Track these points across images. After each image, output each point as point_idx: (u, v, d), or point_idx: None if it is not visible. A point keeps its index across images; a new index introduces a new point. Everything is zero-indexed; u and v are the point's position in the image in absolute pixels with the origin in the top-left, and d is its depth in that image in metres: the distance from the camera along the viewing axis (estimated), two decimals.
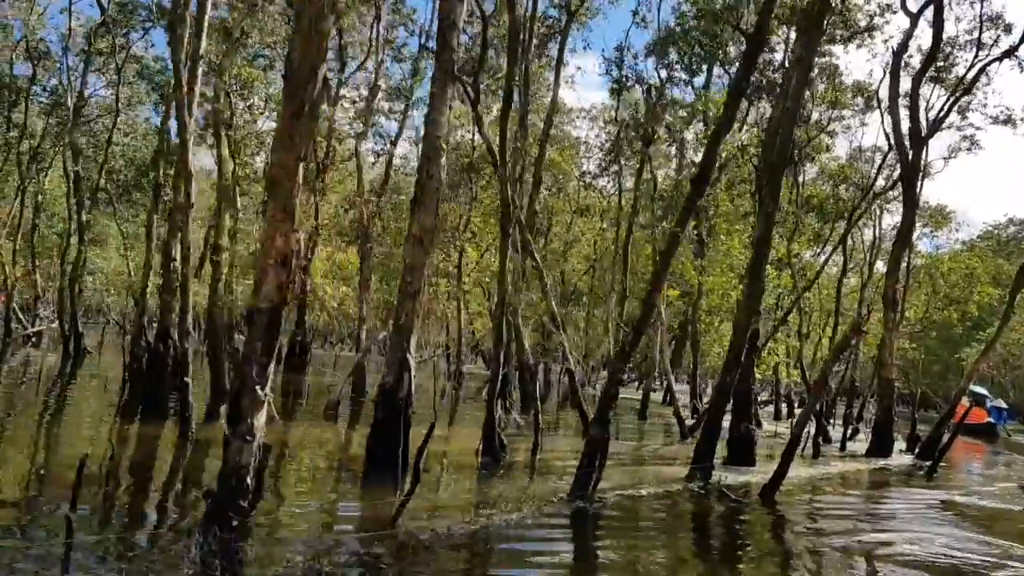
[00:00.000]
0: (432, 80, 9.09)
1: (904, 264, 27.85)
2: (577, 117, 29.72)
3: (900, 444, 19.45)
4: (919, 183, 26.31)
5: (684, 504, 9.34)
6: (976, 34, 20.04)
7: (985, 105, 24.41)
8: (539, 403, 15.10)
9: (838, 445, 17.61)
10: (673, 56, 19.38)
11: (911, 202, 17.69)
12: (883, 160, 20.21)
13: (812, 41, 10.38)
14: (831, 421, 19.16)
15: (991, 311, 32.37)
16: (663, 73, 19.70)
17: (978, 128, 24.68)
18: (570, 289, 37.05)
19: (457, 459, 10.68)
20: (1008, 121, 23.96)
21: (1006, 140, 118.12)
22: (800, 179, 26.11)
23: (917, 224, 32.80)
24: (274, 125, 16.93)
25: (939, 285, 33.18)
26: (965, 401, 30.57)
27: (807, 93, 20.12)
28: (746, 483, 10.69)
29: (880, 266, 30.15)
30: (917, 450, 17.53)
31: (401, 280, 8.87)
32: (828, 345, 29.90)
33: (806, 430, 15.82)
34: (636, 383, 37.27)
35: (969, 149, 24.71)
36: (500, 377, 10.85)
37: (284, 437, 10.89)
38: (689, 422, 16.92)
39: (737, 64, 18.34)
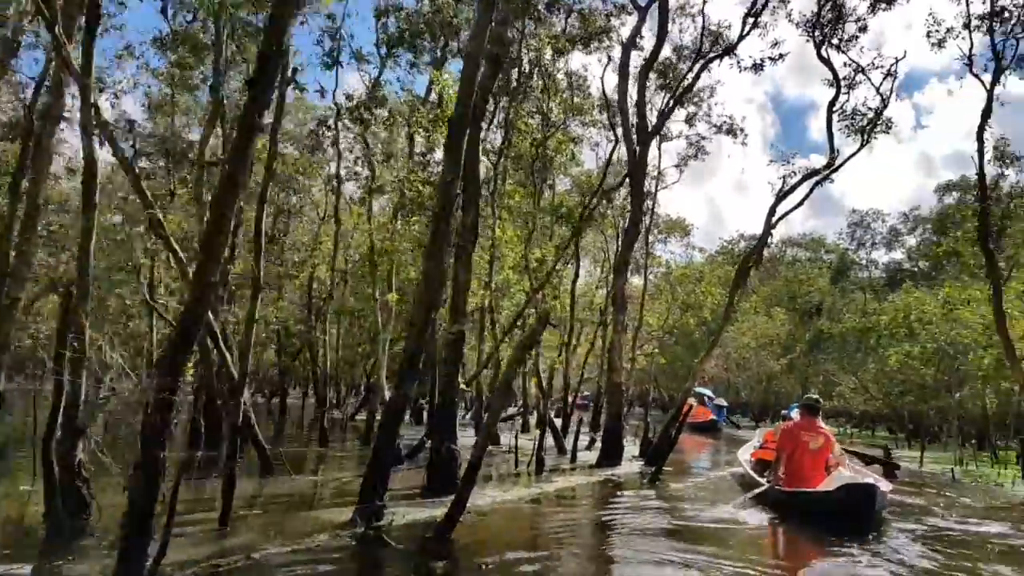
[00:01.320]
0: None
1: (642, 270, 28.64)
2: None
3: (635, 450, 19.01)
4: (654, 187, 27.07)
5: (323, 566, 6.92)
6: (698, 45, 20.36)
7: (709, 115, 25.76)
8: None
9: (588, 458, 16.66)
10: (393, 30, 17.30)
11: (638, 199, 17.15)
12: (610, 154, 19.62)
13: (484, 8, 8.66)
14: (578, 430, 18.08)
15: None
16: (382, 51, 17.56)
17: (704, 137, 25.90)
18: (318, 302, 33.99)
19: None
20: (730, 131, 25.40)
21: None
22: (551, 186, 25.75)
23: (654, 232, 34.38)
24: None
25: (677, 292, 34.91)
26: (692, 400, 34.42)
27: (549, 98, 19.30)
28: (432, 519, 8.56)
29: None
30: (647, 455, 17.08)
31: None
32: (588, 351, 30.02)
33: (535, 442, 14.82)
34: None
35: (696, 156, 25.71)
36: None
37: None
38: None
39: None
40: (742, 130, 25.23)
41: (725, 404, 37.41)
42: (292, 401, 32.17)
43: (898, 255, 47.12)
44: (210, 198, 11.53)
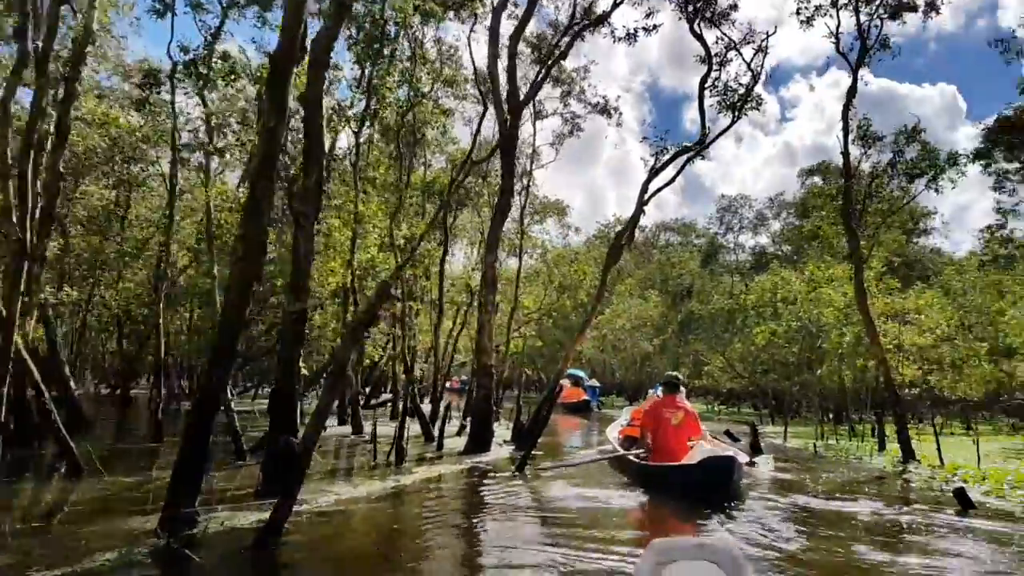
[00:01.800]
0: None
1: (518, 251, 27.96)
2: None
3: (507, 434, 18.31)
4: (529, 165, 26.38)
5: None
6: (571, 14, 19.71)
7: (583, 94, 25.38)
8: None
9: (456, 444, 15.71)
10: None
11: (509, 170, 16.27)
12: (479, 121, 18.64)
13: None
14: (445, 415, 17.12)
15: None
16: None
17: (578, 116, 25.53)
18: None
19: None
20: (605, 110, 25.13)
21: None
22: (425, 164, 24.56)
23: (530, 213, 33.84)
24: None
25: (554, 274, 34.62)
26: (565, 381, 33.33)
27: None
28: (261, 524, 7.30)
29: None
30: (518, 439, 16.43)
31: None
32: (459, 333, 29.11)
33: (395, 431, 13.69)
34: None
35: (571, 133, 25.31)
36: None
37: None
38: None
39: None
40: (616, 109, 25.02)
41: (598, 385, 38.26)
42: (142, 392, 29.37)
43: (764, 239, 49.16)
44: None
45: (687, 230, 61.92)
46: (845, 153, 16.61)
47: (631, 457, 11.49)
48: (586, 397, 32.92)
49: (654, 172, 17.39)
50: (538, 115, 25.83)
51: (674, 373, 11.95)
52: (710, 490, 9.17)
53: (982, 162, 19.40)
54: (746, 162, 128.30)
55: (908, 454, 15.06)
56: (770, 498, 10.27)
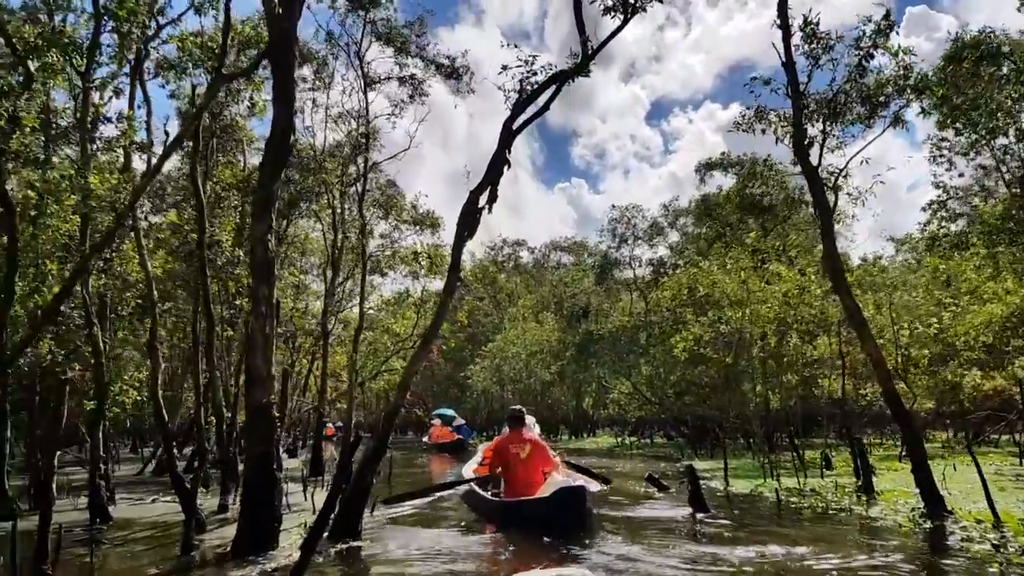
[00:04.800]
0: None
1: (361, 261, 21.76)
2: None
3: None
4: (366, 145, 20.55)
5: None
6: None
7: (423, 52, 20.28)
8: None
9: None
10: None
11: (284, 89, 10.10)
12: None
13: None
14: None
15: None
16: None
17: (422, 80, 21.53)
18: None
19: None
20: (452, 74, 20.22)
21: None
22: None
23: (374, 212, 27.66)
24: None
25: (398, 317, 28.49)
26: (436, 422, 34.70)
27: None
28: None
29: None
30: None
31: None
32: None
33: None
34: None
35: (412, 97, 20.10)
36: None
37: None
38: None
39: None
40: (467, 68, 19.90)
41: (464, 422, 36.82)
42: None
43: (661, 251, 44.62)
44: None
45: (579, 248, 57.42)
46: (788, 63, 11.45)
47: (482, 493, 11.22)
48: (460, 436, 32.46)
49: (520, 106, 11.71)
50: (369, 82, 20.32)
51: (518, 407, 11.67)
52: (564, 519, 9.14)
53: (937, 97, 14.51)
54: (636, 193, 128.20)
55: (933, 500, 9.69)
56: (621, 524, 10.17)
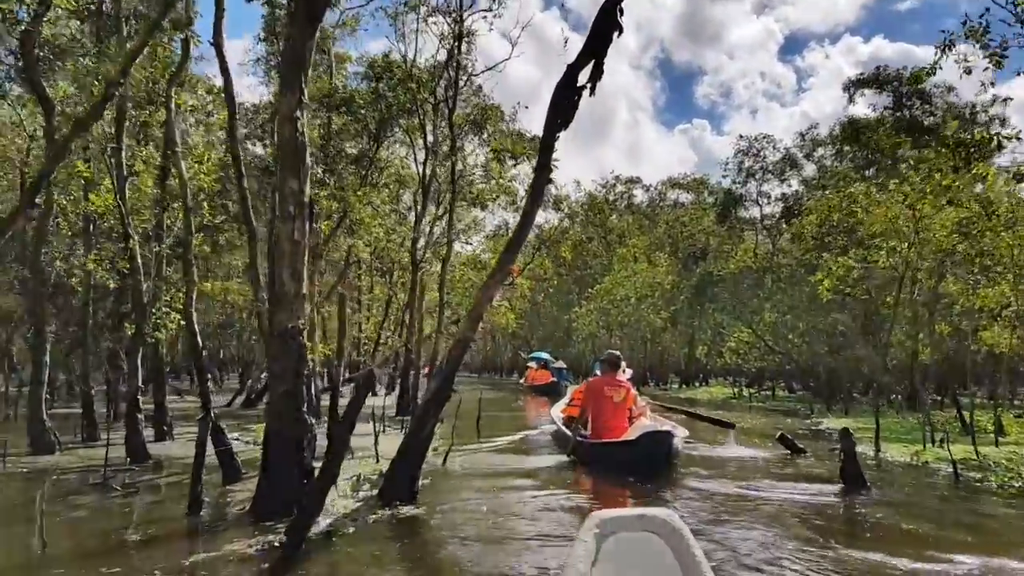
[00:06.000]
0: None
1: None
2: None
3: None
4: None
5: None
6: None
7: None
8: None
9: None
10: None
11: None
12: None
13: None
14: None
15: None
16: None
17: None
18: None
19: None
20: None
21: None
22: None
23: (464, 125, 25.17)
24: None
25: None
26: (533, 365, 35.59)
27: None
28: None
29: None
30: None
31: None
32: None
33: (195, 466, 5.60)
34: None
35: None
36: None
37: None
38: None
39: None
40: None
41: (564, 366, 35.70)
42: None
43: (795, 186, 39.89)
44: None
45: (699, 186, 53.09)
46: None
47: (570, 433, 11.36)
48: (554, 379, 32.23)
49: None
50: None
51: (615, 351, 11.65)
52: (649, 465, 9.30)
53: None
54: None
55: None
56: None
